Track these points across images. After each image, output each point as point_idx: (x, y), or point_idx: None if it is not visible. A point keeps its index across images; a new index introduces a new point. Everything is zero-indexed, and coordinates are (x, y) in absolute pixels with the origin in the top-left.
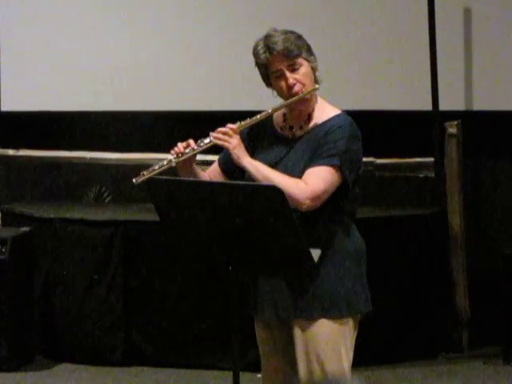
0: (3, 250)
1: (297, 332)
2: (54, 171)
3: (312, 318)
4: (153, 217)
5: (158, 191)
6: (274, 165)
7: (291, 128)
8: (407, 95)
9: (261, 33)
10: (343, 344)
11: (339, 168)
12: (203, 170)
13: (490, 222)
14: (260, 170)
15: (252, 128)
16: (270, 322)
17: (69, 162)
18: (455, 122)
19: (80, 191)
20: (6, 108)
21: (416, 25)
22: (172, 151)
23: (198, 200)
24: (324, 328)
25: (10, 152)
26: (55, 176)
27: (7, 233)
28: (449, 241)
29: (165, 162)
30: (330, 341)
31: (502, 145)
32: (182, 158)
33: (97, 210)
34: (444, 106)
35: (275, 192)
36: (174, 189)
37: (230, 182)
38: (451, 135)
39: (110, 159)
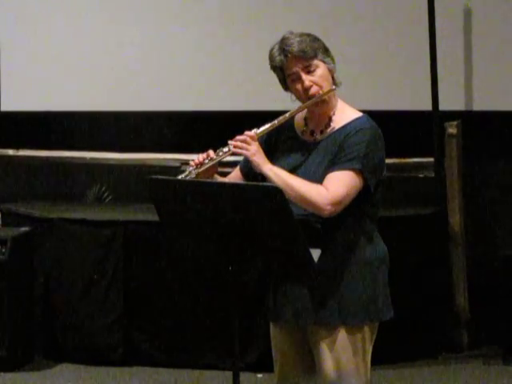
0: (3, 249)
1: (315, 338)
2: (54, 171)
3: (331, 325)
4: (153, 217)
5: (158, 191)
6: (294, 169)
7: (312, 132)
8: (407, 95)
9: (261, 32)
10: (361, 351)
11: (360, 172)
12: (224, 176)
13: (490, 223)
14: (281, 177)
15: (272, 132)
16: (287, 327)
17: (69, 162)
18: (455, 122)
19: (80, 191)
20: (5, 108)
21: (416, 25)
22: (191, 162)
23: (199, 200)
24: (343, 335)
25: (10, 152)
26: (55, 176)
27: (7, 233)
28: (449, 241)
29: (184, 174)
30: (348, 348)
31: (502, 145)
32: (202, 169)
33: (97, 210)
34: (444, 105)
35: (275, 192)
36: (174, 189)
37: (230, 182)
38: (451, 135)
39: (110, 159)
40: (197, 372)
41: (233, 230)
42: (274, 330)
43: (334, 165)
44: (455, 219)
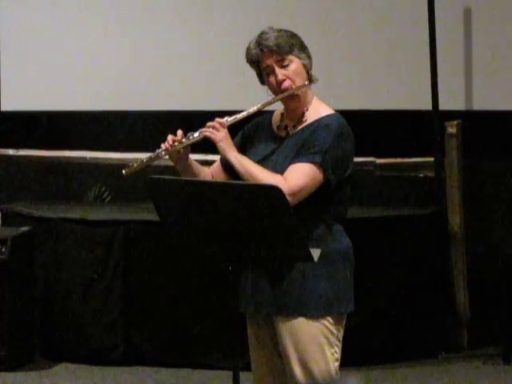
0: (3, 249)
1: (278, 329)
2: (54, 171)
3: (291, 316)
4: (153, 217)
5: (158, 191)
6: (262, 160)
7: (286, 127)
8: (407, 95)
9: (258, 32)
10: (326, 343)
11: (321, 165)
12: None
13: (490, 222)
14: (243, 164)
15: (252, 129)
16: (255, 318)
17: (69, 161)
18: (455, 122)
19: (80, 191)
20: (5, 108)
21: (416, 25)
22: (162, 144)
23: (198, 200)
24: (303, 326)
25: (10, 152)
26: (55, 176)
27: (7, 233)
28: (449, 241)
29: (153, 155)
30: (310, 339)
31: (501, 145)
32: (171, 150)
33: (97, 210)
34: (444, 105)
35: (276, 191)
36: (173, 188)
37: (230, 181)
38: (451, 135)
39: (110, 159)
40: (197, 372)
41: (232, 228)
42: (247, 322)
43: (296, 157)
44: (455, 219)
